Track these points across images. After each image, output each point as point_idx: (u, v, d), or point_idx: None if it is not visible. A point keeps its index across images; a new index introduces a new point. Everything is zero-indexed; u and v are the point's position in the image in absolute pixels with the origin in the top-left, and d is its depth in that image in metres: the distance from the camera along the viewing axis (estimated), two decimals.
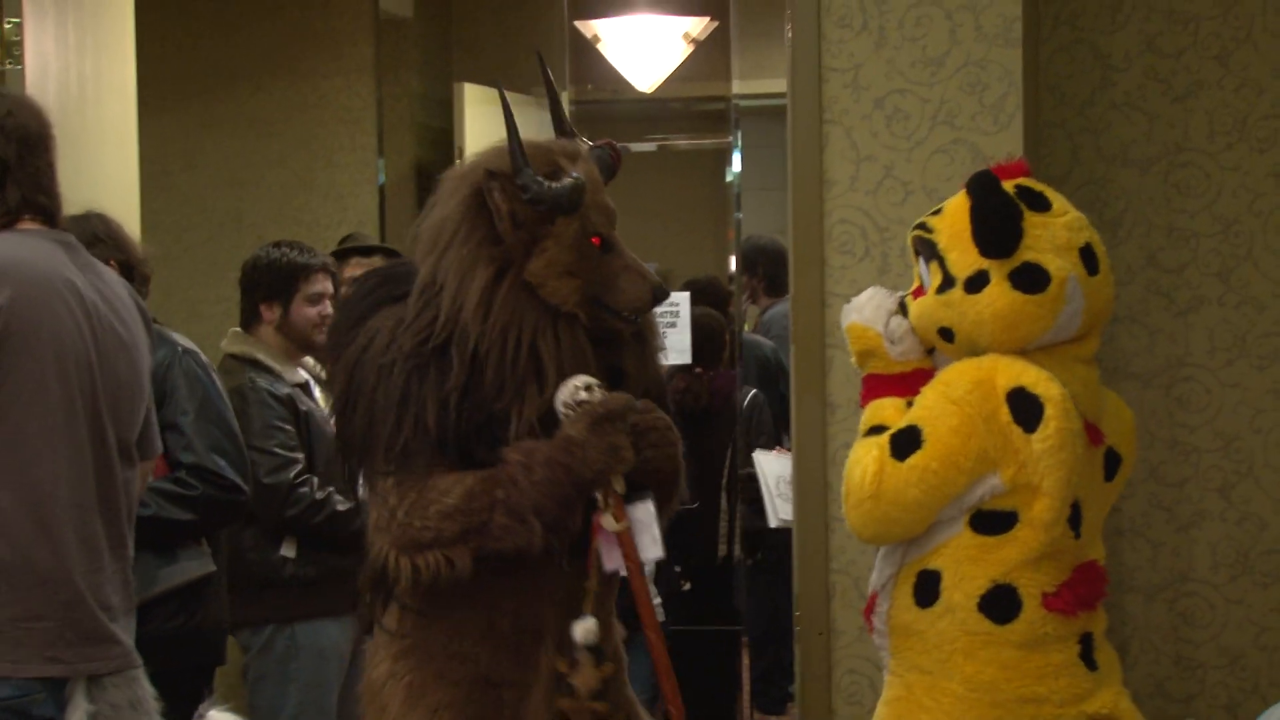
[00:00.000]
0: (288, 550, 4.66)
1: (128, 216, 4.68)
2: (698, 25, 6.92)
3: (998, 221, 3.01)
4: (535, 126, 7.74)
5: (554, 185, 2.97)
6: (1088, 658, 3.05)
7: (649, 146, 7.88)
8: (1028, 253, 3.01)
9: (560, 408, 2.96)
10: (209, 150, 6.93)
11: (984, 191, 3.04)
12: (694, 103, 7.57)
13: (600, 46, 6.96)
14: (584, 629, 3.02)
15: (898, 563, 3.10)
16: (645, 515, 3.02)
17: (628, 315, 3.05)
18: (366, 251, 5.46)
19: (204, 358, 4.37)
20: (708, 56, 7.31)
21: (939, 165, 4.03)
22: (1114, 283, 3.16)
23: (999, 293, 3.00)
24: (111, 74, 5.03)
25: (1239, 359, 4.34)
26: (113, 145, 5.05)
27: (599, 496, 2.97)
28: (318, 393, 4.85)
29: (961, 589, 3.01)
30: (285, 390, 4.67)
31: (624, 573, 3.01)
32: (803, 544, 4.08)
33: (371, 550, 3.00)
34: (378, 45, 6.94)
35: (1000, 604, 2.99)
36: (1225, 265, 4.34)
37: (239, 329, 4.82)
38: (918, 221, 3.18)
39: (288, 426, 4.63)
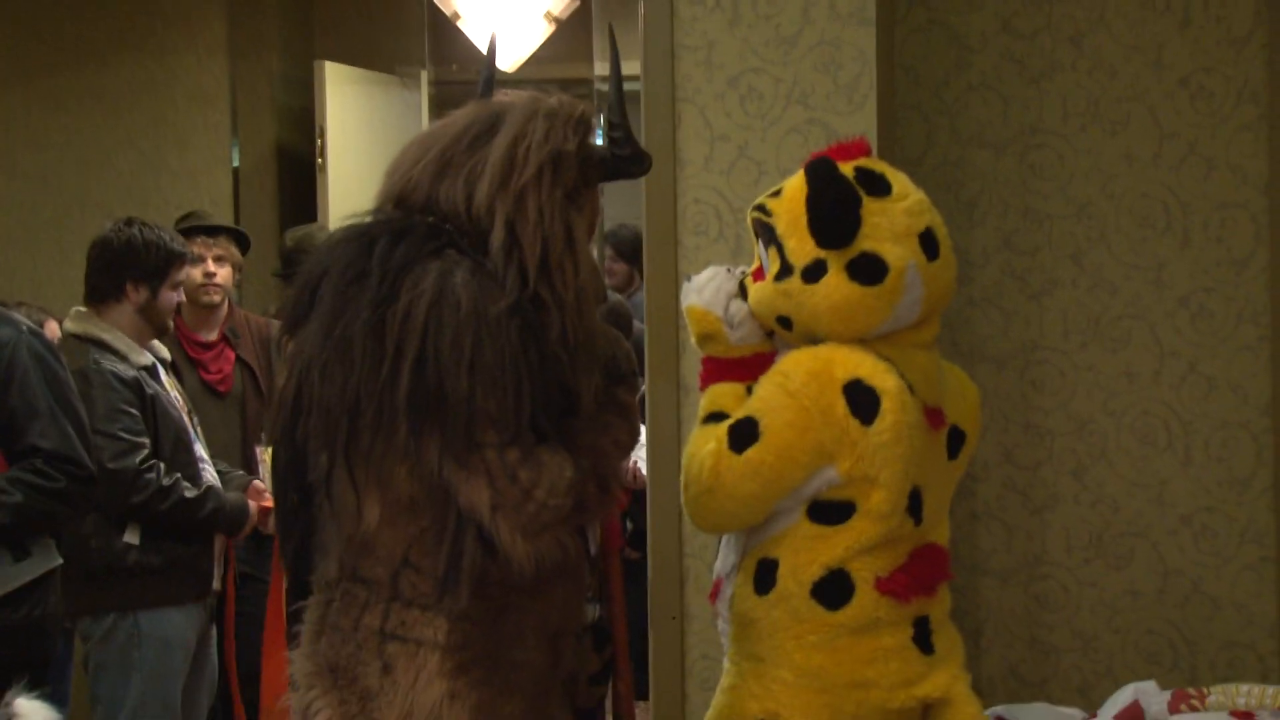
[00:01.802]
0: (131, 537, 4.54)
1: None
2: (559, 4, 6.84)
3: (834, 211, 2.93)
4: (398, 107, 7.73)
5: (639, 144, 2.84)
6: (923, 641, 3.01)
7: None
8: (865, 241, 2.95)
9: None
10: (55, 129, 6.75)
11: (820, 180, 2.95)
12: (556, 85, 7.48)
13: (460, 24, 6.85)
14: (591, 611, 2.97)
15: (741, 550, 3.07)
16: None
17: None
18: (211, 231, 5.35)
19: (49, 338, 4.25)
20: (570, 37, 7.25)
21: (793, 145, 3.98)
22: (955, 264, 3.10)
23: (836, 284, 2.94)
24: None
25: (1092, 341, 4.34)
26: None
27: None
28: (164, 376, 4.73)
29: (795, 576, 2.98)
30: (131, 373, 4.55)
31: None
32: (655, 528, 4.03)
33: (470, 538, 2.63)
34: (231, 22, 6.80)
35: (832, 589, 2.95)
36: (1078, 248, 4.34)
37: (83, 308, 4.69)
38: (757, 202, 3.10)
39: (133, 410, 4.51)
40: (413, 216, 2.74)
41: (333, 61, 7.33)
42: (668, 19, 4.03)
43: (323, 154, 7.22)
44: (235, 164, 6.82)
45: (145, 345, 4.68)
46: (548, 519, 2.61)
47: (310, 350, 2.65)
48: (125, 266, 4.64)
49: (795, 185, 3.04)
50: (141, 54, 6.73)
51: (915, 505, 2.98)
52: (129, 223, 4.72)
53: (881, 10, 4.04)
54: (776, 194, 3.08)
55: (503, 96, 2.84)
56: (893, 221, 2.97)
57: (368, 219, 2.76)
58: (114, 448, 4.44)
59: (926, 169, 4.37)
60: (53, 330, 5.30)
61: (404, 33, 7.60)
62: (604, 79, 7.21)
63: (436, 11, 7.03)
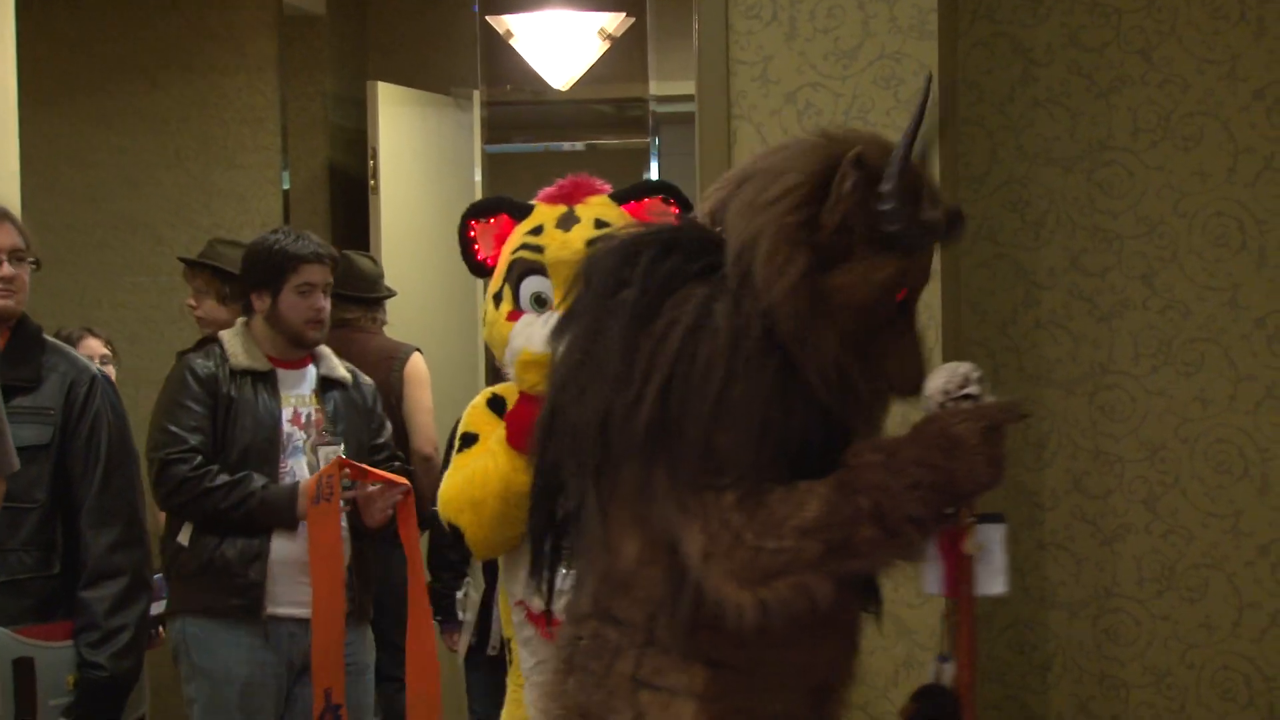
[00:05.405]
0: (183, 538, 4.37)
1: None
2: (614, 21, 6.76)
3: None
4: (451, 128, 7.63)
5: (919, 215, 2.47)
6: None
7: (567, 147, 7.70)
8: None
9: (938, 395, 2.54)
10: (101, 148, 6.71)
11: None
12: (611, 104, 7.39)
13: (513, 42, 6.77)
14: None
15: None
16: (996, 543, 2.62)
17: (882, 393, 2.58)
18: (191, 264, 5.29)
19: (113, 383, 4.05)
20: (625, 55, 7.15)
21: None
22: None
23: None
24: None
25: (1164, 365, 4.19)
26: None
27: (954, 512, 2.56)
28: (289, 390, 4.46)
29: None
30: (210, 369, 4.37)
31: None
32: None
33: (694, 586, 2.42)
34: (282, 42, 6.74)
35: None
36: (1150, 268, 4.19)
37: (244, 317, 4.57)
38: None
39: (194, 406, 4.33)
40: (684, 227, 2.59)
41: (385, 82, 7.25)
42: (722, 33, 3.92)
43: (375, 175, 7.14)
44: (286, 185, 6.74)
45: (291, 357, 4.47)
46: (769, 564, 2.38)
47: (565, 366, 2.51)
48: (247, 276, 4.55)
49: None
50: (190, 73, 6.69)
51: None
52: (264, 232, 4.67)
53: (944, 23, 3.93)
54: None
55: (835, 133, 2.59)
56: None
57: (638, 229, 2.58)
58: (156, 439, 4.32)
59: (991, 186, 4.24)
60: (92, 348, 5.18)
61: (457, 53, 7.52)
62: (660, 98, 7.09)
63: (490, 31, 6.95)
